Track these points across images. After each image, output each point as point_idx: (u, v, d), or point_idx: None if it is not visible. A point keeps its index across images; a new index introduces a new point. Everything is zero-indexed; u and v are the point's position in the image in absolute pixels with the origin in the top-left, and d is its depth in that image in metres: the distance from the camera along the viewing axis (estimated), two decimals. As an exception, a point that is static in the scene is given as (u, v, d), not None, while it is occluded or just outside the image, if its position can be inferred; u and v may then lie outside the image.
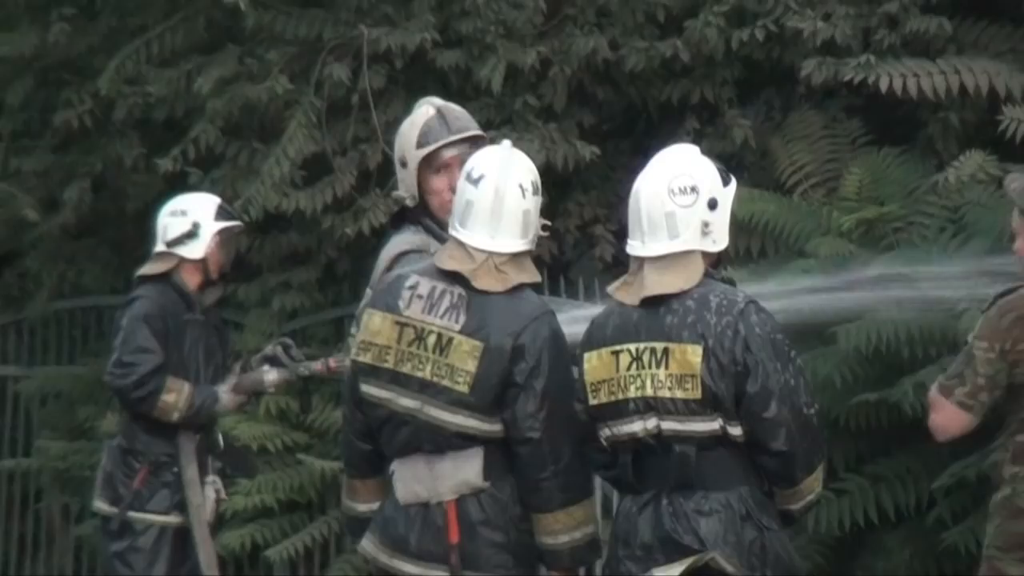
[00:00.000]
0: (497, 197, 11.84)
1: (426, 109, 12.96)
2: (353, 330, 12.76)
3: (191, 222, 16.47)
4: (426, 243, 12.56)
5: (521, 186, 11.86)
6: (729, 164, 12.69)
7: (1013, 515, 11.69)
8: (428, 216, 12.64)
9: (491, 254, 11.68)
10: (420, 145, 12.46)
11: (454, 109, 12.99)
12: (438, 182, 12.54)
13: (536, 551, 11.67)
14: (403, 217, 12.98)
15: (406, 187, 12.70)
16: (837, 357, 16.01)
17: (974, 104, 18.45)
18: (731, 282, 11.60)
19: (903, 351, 15.00)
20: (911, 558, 15.69)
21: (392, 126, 17.56)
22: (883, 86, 18.26)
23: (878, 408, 14.78)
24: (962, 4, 19.23)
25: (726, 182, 11.48)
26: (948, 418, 11.95)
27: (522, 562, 11.65)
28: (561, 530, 11.62)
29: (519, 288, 11.64)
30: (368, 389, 11.70)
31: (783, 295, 15.07)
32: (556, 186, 16.59)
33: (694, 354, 11.12)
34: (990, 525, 11.85)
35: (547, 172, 15.61)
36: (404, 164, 12.64)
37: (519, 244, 11.72)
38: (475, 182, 11.87)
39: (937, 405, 11.91)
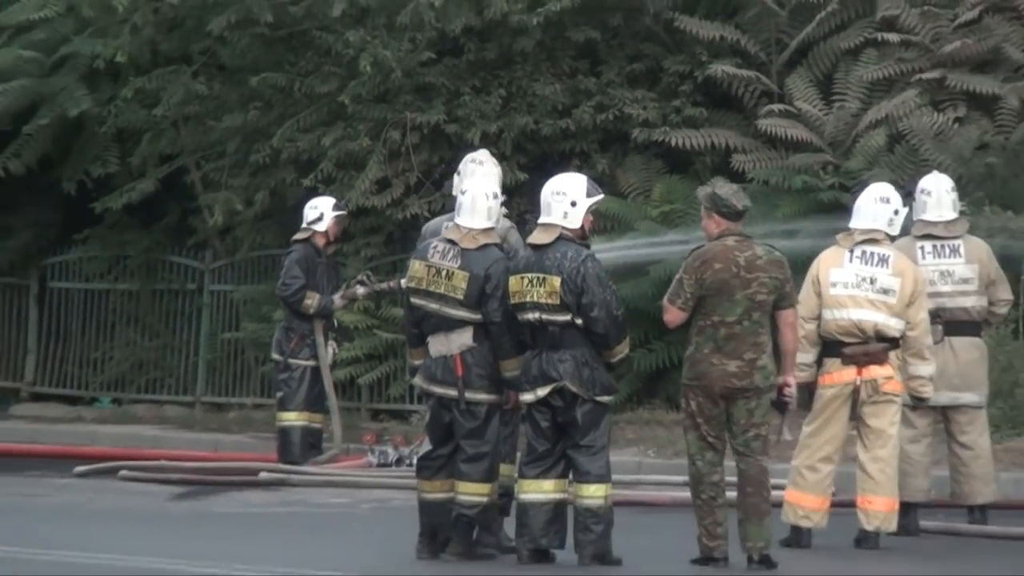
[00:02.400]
0: (473, 200, 13.27)
1: (473, 162, 14.37)
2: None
3: (319, 212, 19.23)
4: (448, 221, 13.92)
5: (486, 194, 13.32)
6: (598, 183, 13.82)
7: (693, 363, 12.91)
8: None
9: (470, 229, 13.20)
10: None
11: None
12: None
13: (501, 381, 13.34)
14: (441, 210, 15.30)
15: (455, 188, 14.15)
16: (648, 282, 18.09)
17: (720, 153, 20.43)
18: (587, 245, 13.21)
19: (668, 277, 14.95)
20: (679, 382, 13.84)
21: (423, 163, 21.54)
22: (673, 143, 20.41)
23: (659, 309, 13.75)
24: (712, 101, 21.11)
25: (592, 194, 13.09)
26: (674, 315, 12.99)
27: (494, 385, 13.27)
28: (508, 368, 13.18)
29: (486, 246, 13.18)
30: (414, 299, 13.40)
31: (619, 249, 17.69)
32: (505, 192, 15.11)
33: (555, 282, 12.80)
34: (685, 367, 13.05)
35: (503, 188, 14.94)
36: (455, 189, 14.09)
37: (485, 224, 13.24)
38: (463, 192, 13.41)
39: (667, 309, 13.06)
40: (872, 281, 13.91)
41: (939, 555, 13.99)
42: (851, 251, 14.04)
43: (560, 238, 12.99)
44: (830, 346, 13.92)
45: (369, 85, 21.50)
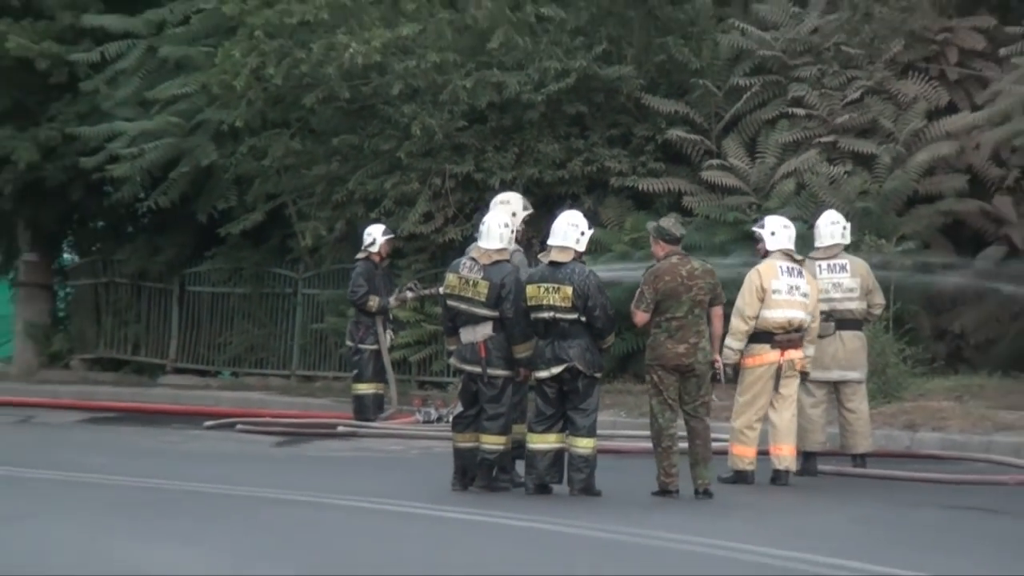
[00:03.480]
0: (488, 229, 13.21)
1: (500, 203, 14.08)
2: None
3: (372, 238, 19.00)
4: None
5: (499, 224, 13.23)
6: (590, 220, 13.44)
7: (653, 347, 13.08)
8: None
9: (487, 250, 13.11)
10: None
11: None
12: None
13: (513, 360, 13.19)
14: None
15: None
16: (620, 290, 16.41)
17: (675, 195, 20.30)
18: (583, 263, 13.04)
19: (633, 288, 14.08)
20: (644, 362, 13.95)
21: (458, 201, 21.26)
22: (640, 188, 20.40)
23: (629, 310, 13.40)
24: (668, 157, 20.84)
25: (591, 227, 13.13)
26: (640, 318, 13.14)
27: (508, 364, 13.15)
28: (520, 351, 13.05)
29: (499, 262, 13.00)
30: (449, 302, 13.33)
31: (607, 270, 16.88)
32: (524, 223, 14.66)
33: (568, 290, 12.78)
34: (647, 351, 13.22)
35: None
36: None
37: (498, 246, 13.12)
38: (483, 223, 13.39)
39: (635, 313, 13.16)
40: (798, 288, 13.80)
41: (832, 490, 14.04)
42: (781, 266, 13.85)
43: (575, 254, 12.99)
44: (763, 336, 13.81)
45: (419, 144, 21.17)
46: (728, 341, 13.75)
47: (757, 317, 13.77)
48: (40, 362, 27.01)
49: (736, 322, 13.79)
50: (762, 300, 13.75)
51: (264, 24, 21.21)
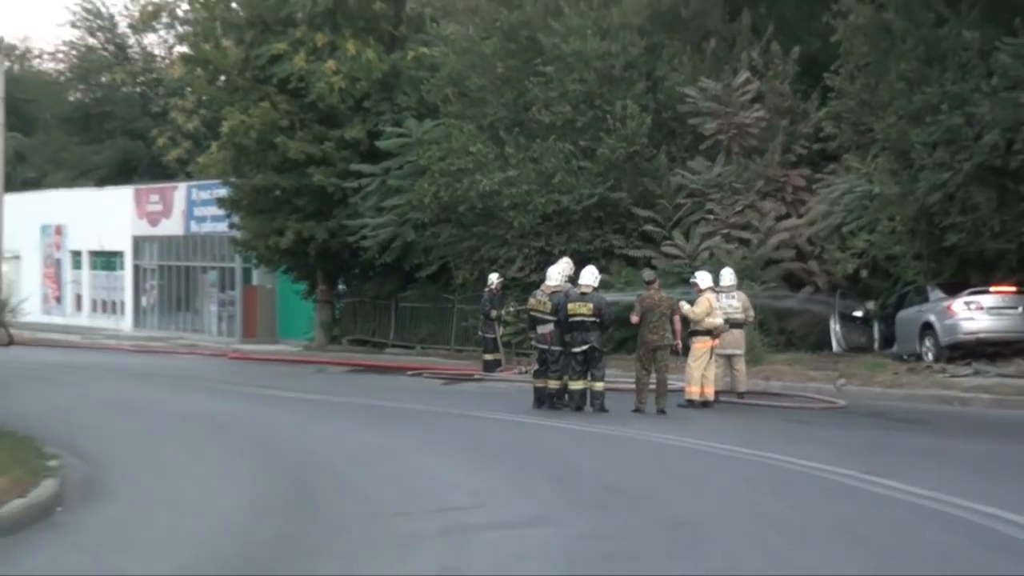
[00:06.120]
0: (550, 275, 13.29)
1: (560, 263, 14.02)
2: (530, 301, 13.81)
3: (490, 280, 19.04)
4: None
5: (558, 273, 13.27)
6: (601, 271, 13.44)
7: (640, 336, 12.91)
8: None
9: (550, 286, 13.04)
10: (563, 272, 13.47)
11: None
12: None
13: (563, 342, 12.75)
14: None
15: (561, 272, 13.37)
16: (619, 308, 14.54)
17: (647, 260, 19.48)
18: (598, 291, 12.94)
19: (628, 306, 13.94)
20: (634, 344, 13.73)
21: (537, 262, 19.91)
22: (629, 255, 19.82)
23: (627, 316, 13.27)
24: (643, 238, 19.97)
25: (599, 275, 13.07)
26: (634, 320, 12.82)
27: (561, 344, 12.70)
28: (566, 337, 12.52)
29: (556, 292, 12.87)
30: (532, 313, 13.22)
31: (611, 296, 15.44)
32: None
33: (590, 306, 12.66)
34: (638, 338, 12.98)
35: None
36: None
37: (556, 284, 13.03)
38: (548, 273, 13.48)
39: (632, 317, 12.91)
40: (728, 304, 13.94)
41: (727, 411, 13.64)
42: (717, 293, 13.78)
43: (593, 289, 12.96)
44: (708, 331, 13.51)
45: (516, 232, 20.55)
46: (698, 323, 13.42)
47: (708, 317, 13.52)
48: (326, 341, 26.78)
49: (697, 317, 13.49)
50: (709, 312, 13.55)
51: (439, 170, 21.14)
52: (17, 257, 34.99)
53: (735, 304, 14.48)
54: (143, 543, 6.84)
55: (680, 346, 13.11)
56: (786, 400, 14.32)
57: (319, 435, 11.66)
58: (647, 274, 14.69)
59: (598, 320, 12.85)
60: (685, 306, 13.45)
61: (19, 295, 33.12)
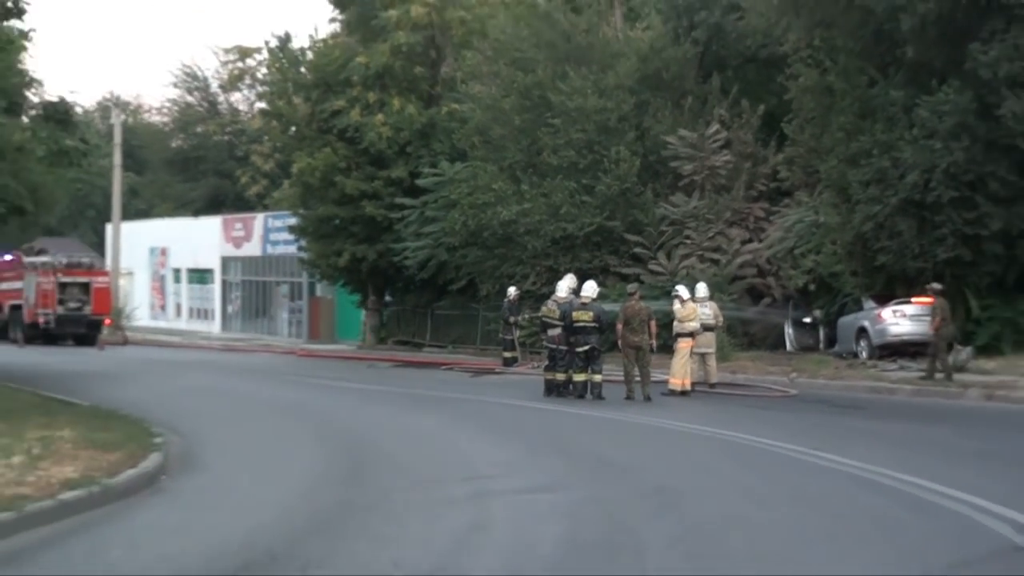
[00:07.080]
0: (559, 287, 13.14)
1: (565, 278, 13.89)
2: (543, 309, 13.70)
3: (508, 292, 18.49)
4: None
5: (566, 287, 13.14)
6: (599, 285, 13.45)
7: (624, 337, 12.58)
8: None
9: (559, 297, 12.88)
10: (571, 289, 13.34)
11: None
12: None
13: (569, 341, 12.35)
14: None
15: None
16: (611, 315, 13.50)
17: (636, 276, 18.92)
18: (597, 302, 12.74)
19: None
20: (623, 344, 13.03)
21: (547, 277, 19.28)
22: (622, 272, 19.23)
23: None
24: (633, 259, 19.54)
25: (598, 288, 13.04)
26: (620, 327, 12.49)
27: (568, 344, 12.50)
28: (571, 339, 12.25)
29: (563, 301, 12.59)
30: (544, 319, 13.03)
31: (608, 305, 14.66)
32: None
33: (591, 314, 12.50)
34: (622, 340, 12.48)
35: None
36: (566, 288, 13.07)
37: (564, 295, 12.74)
38: (557, 286, 13.40)
39: (616, 324, 12.63)
40: (703, 312, 13.68)
41: (703, 399, 13.38)
42: (696, 303, 13.64)
43: (593, 300, 12.80)
44: (689, 333, 13.42)
45: (530, 253, 20.30)
46: (682, 326, 13.35)
47: (688, 321, 13.47)
48: (375, 341, 26.23)
49: (681, 317, 13.52)
50: (690, 317, 13.54)
51: (468, 203, 20.97)
52: (131, 273, 36.17)
53: (708, 312, 14.45)
54: (230, 505, 6.97)
55: (655, 345, 12.92)
56: (749, 390, 14.23)
57: (368, 417, 11.64)
58: (630, 287, 14.56)
59: (597, 325, 12.78)
60: (677, 305, 13.45)
61: (132, 304, 34.00)
